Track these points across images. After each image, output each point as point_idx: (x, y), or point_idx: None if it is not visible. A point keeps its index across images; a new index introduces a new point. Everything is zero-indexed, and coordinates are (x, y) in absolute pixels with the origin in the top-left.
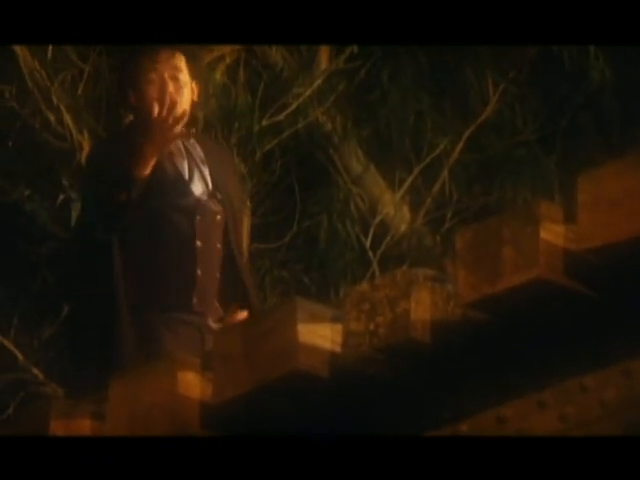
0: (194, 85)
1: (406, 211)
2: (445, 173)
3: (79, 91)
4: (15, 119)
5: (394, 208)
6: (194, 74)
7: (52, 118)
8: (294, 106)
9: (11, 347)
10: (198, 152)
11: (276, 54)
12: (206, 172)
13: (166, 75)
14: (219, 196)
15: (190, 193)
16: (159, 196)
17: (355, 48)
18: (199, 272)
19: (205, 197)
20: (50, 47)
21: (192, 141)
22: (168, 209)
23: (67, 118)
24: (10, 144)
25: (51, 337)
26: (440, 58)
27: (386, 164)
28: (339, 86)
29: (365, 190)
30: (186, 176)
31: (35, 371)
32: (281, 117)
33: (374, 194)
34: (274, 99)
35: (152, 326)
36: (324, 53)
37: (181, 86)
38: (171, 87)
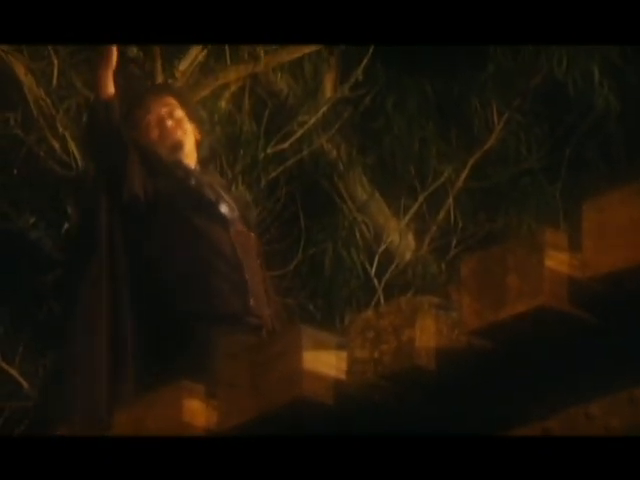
0: (193, 122)
1: (411, 239)
2: (450, 201)
3: (84, 119)
4: (20, 147)
5: (399, 236)
6: (189, 111)
7: (57, 146)
8: (299, 134)
9: (16, 375)
10: (220, 181)
11: (281, 81)
12: (231, 199)
13: (163, 112)
14: (247, 220)
15: (220, 212)
16: (191, 214)
17: (360, 75)
18: (247, 276)
19: (235, 216)
20: (55, 74)
21: (211, 170)
22: (203, 224)
23: (72, 146)
24: (15, 172)
25: None
26: (445, 86)
27: (391, 192)
28: (344, 114)
29: (370, 218)
30: (213, 199)
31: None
32: (286, 145)
33: (379, 222)
34: (279, 127)
35: (209, 337)
36: (329, 81)
37: (180, 119)
38: (170, 122)
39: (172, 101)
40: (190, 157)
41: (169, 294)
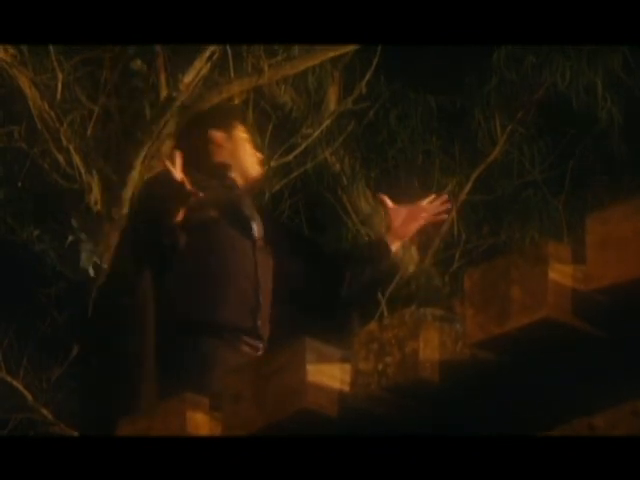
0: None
1: (414, 251)
2: (453, 214)
3: (88, 132)
4: (24, 160)
5: (402, 248)
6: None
7: (61, 159)
8: (303, 147)
9: (20, 388)
10: (254, 202)
11: (285, 95)
12: (260, 220)
13: (241, 136)
14: (270, 247)
15: (251, 229)
16: (224, 227)
17: (364, 89)
18: (261, 298)
19: (261, 236)
20: (59, 87)
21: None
22: (234, 236)
23: (76, 159)
24: (19, 185)
25: (60, 378)
26: (448, 99)
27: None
28: (348, 127)
29: (373, 230)
30: (248, 215)
31: (44, 411)
32: (290, 158)
33: (382, 234)
34: (283, 140)
35: (214, 348)
36: (333, 94)
37: (239, 143)
38: (247, 147)
39: (228, 119)
40: (241, 177)
41: (185, 301)
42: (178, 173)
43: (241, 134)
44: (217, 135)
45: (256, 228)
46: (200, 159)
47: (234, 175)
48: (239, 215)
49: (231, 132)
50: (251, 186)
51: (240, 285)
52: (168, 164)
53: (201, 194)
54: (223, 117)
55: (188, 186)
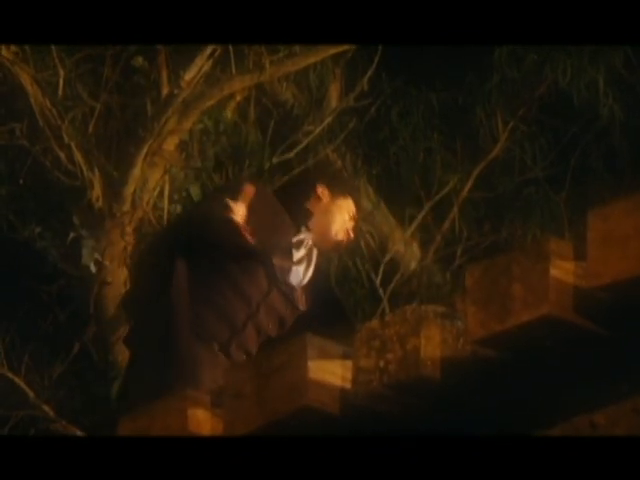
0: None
1: (416, 248)
2: (455, 210)
3: (90, 129)
4: (26, 157)
5: (404, 245)
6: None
7: (63, 156)
8: (304, 143)
9: (22, 385)
10: (314, 257)
11: (286, 91)
12: (308, 273)
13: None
14: (300, 302)
15: (284, 276)
16: (258, 255)
17: (365, 85)
18: (249, 326)
19: (295, 288)
20: (61, 84)
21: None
22: (265, 263)
23: (78, 156)
24: (21, 182)
25: (62, 375)
26: (450, 96)
27: (396, 202)
28: (349, 124)
29: (375, 227)
30: (295, 260)
31: (46, 408)
32: (291, 154)
33: (384, 231)
34: (284, 137)
35: (198, 355)
36: (334, 91)
37: (337, 210)
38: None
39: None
40: (320, 234)
41: (192, 299)
42: (241, 212)
43: (344, 205)
44: (321, 190)
45: (293, 278)
46: (294, 197)
47: (312, 227)
48: (284, 258)
49: (336, 198)
50: (324, 247)
51: (239, 303)
52: (233, 211)
53: (250, 238)
54: (340, 184)
55: (247, 233)
